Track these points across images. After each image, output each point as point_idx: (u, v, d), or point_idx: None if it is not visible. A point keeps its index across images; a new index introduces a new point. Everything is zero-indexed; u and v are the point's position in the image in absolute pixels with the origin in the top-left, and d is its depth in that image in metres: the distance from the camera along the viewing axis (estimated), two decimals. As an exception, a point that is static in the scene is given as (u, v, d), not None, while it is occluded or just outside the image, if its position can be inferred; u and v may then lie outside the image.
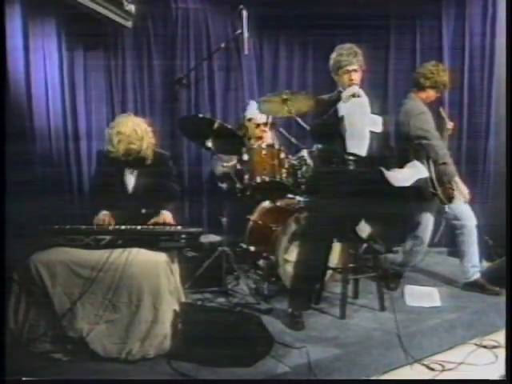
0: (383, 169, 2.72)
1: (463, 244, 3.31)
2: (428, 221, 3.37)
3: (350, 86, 2.79)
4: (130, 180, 2.90)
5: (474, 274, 3.31)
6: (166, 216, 2.84)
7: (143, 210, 2.86)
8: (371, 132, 2.79)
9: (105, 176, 2.90)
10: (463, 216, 3.28)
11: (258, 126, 3.84)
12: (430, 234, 3.43)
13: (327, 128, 2.81)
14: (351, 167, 2.73)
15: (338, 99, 2.81)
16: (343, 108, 2.74)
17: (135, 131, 2.79)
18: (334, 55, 2.86)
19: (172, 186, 3.01)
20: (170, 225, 2.78)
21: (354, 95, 2.74)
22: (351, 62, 2.80)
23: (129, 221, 2.70)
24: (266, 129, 3.86)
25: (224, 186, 3.39)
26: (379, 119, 2.83)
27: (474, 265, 3.31)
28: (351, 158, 2.74)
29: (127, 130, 2.78)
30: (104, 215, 2.78)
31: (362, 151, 2.76)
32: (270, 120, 3.81)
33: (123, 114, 2.99)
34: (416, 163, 3.10)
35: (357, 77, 2.82)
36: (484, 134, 4.12)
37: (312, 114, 3.11)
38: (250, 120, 3.89)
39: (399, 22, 4.57)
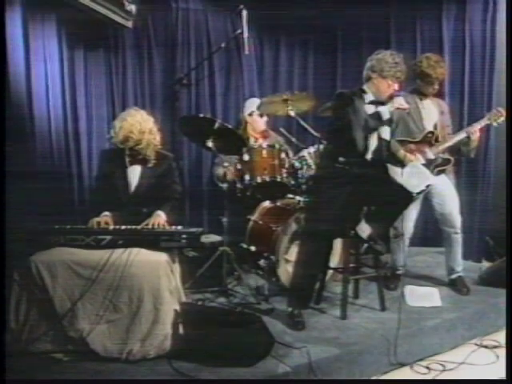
0: (398, 173, 2.79)
1: (447, 248, 3.42)
2: (408, 212, 3.30)
3: (391, 94, 2.80)
4: (133, 179, 2.89)
5: (451, 275, 3.43)
6: (160, 218, 2.78)
7: (145, 210, 2.86)
8: (380, 139, 2.82)
9: (107, 174, 2.91)
10: (453, 224, 3.33)
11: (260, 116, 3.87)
12: (410, 229, 3.43)
13: (363, 125, 2.74)
14: (354, 169, 2.74)
15: (361, 97, 2.81)
16: (385, 113, 2.77)
17: (139, 123, 2.82)
18: (388, 58, 2.80)
19: (173, 186, 3.01)
20: (170, 225, 2.77)
21: (401, 108, 2.81)
22: (403, 71, 2.82)
23: (129, 220, 2.70)
24: (262, 119, 3.89)
25: (224, 186, 3.39)
26: (388, 128, 2.85)
27: (454, 268, 3.41)
28: (356, 160, 2.75)
29: (131, 120, 2.81)
30: (104, 216, 2.77)
31: (369, 155, 2.80)
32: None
33: (135, 107, 3.02)
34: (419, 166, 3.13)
35: (398, 88, 2.84)
36: (484, 133, 4.11)
37: (332, 105, 3.01)
38: (251, 114, 3.90)
39: (399, 21, 4.56)
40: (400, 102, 2.79)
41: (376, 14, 4.48)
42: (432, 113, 3.38)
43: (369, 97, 2.84)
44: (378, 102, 2.82)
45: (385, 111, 2.77)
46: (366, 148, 2.78)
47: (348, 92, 2.87)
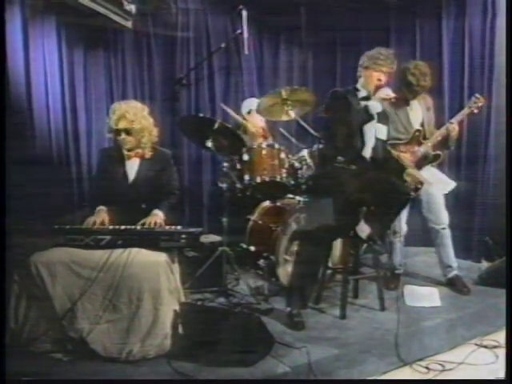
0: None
1: (438, 247, 3.41)
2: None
3: (377, 86, 2.85)
4: (131, 173, 2.89)
5: (449, 273, 3.41)
6: (158, 217, 2.77)
7: (143, 206, 2.85)
8: (377, 138, 2.85)
9: (106, 170, 2.91)
10: (440, 221, 3.33)
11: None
12: (404, 228, 3.43)
13: (356, 122, 2.81)
14: (353, 168, 2.74)
15: (354, 94, 2.85)
16: (375, 107, 2.80)
17: (134, 108, 2.85)
18: (373, 52, 2.92)
19: (171, 183, 3.01)
20: (170, 225, 2.77)
21: (389, 99, 2.84)
22: (390, 65, 2.88)
23: (128, 216, 2.70)
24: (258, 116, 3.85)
25: (224, 185, 3.39)
26: (384, 127, 2.87)
27: (449, 265, 3.41)
28: (354, 157, 2.76)
29: (126, 105, 2.85)
30: (100, 210, 2.76)
31: (367, 154, 2.82)
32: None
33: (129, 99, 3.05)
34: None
35: (384, 80, 2.88)
36: (484, 133, 4.12)
37: (327, 104, 3.05)
38: (249, 113, 3.89)
39: (399, 22, 4.56)
40: (386, 92, 2.82)
41: (375, 14, 4.48)
42: (418, 111, 3.39)
43: (362, 94, 2.88)
44: (367, 98, 2.86)
45: (375, 105, 2.80)
46: (363, 144, 2.79)
47: (342, 90, 2.93)
